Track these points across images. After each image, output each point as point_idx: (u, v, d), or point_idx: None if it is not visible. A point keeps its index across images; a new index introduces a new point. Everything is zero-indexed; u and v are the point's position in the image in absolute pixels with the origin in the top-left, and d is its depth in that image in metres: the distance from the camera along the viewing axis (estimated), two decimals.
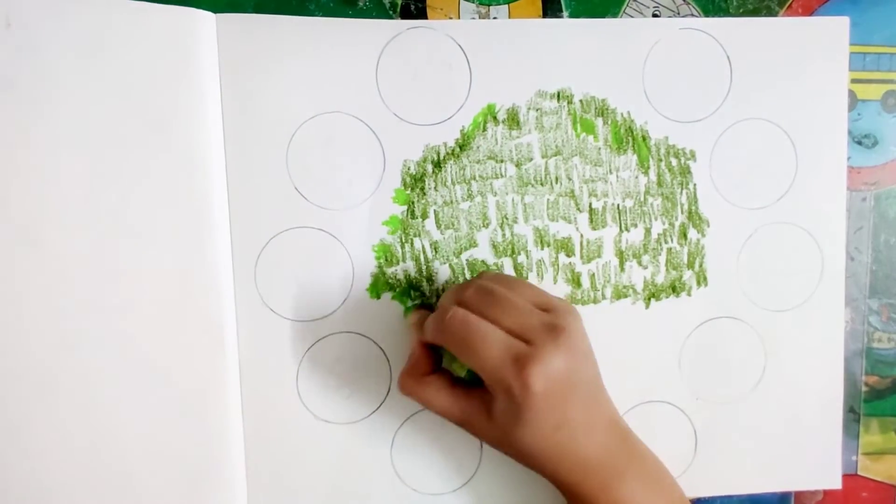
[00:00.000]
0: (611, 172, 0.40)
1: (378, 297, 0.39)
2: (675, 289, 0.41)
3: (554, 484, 0.34)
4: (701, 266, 0.41)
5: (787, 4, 0.41)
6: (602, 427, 0.34)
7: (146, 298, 0.36)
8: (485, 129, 0.39)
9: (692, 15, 0.41)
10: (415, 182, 0.39)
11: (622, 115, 0.40)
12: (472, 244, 0.40)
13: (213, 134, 0.37)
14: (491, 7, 0.40)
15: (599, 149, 0.40)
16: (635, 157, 0.40)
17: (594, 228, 0.40)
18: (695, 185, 0.41)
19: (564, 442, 0.32)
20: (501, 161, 0.40)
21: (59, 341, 0.35)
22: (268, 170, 0.38)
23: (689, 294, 0.41)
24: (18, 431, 0.35)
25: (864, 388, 0.43)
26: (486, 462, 0.40)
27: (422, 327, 0.35)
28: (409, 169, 0.39)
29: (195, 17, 0.37)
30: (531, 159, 0.40)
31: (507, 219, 0.40)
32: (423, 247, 0.40)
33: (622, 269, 0.41)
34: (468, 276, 0.40)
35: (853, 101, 0.42)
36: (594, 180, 0.40)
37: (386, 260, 0.39)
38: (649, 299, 0.41)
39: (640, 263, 0.41)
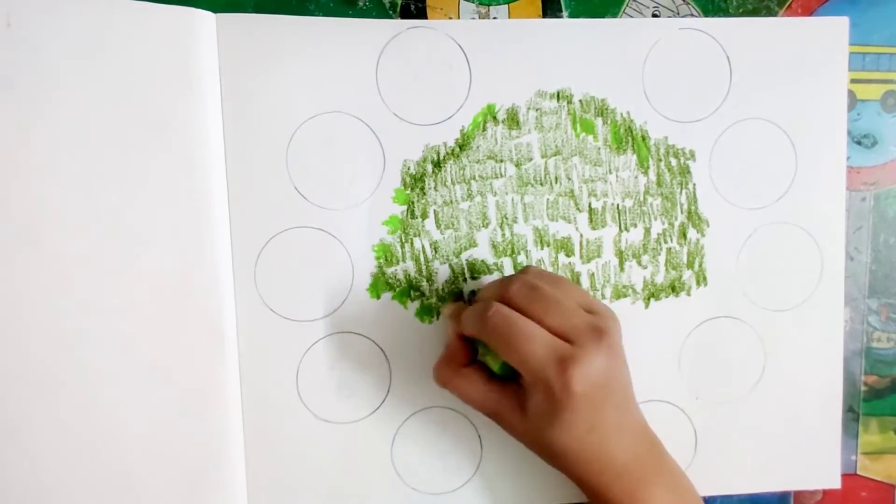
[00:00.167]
0: (610, 172, 0.40)
1: (378, 297, 0.39)
2: (674, 289, 0.41)
3: (580, 486, 0.34)
4: (700, 266, 0.41)
5: (787, 4, 0.41)
6: (632, 433, 0.34)
7: (146, 298, 0.36)
8: (484, 129, 0.39)
9: (692, 15, 0.41)
10: (415, 182, 0.39)
11: (622, 114, 0.40)
12: (472, 244, 0.40)
13: (213, 134, 0.37)
14: (491, 7, 0.40)
15: (599, 149, 0.40)
16: (635, 156, 0.40)
17: (594, 228, 0.40)
18: (694, 185, 0.41)
19: (596, 445, 0.32)
20: (501, 161, 0.40)
21: (59, 341, 0.35)
22: (268, 170, 0.38)
23: (688, 294, 0.41)
24: (18, 431, 0.35)
25: (863, 388, 0.43)
26: (486, 462, 0.41)
27: (458, 319, 0.35)
28: (408, 169, 0.39)
29: (195, 17, 0.37)
30: (531, 159, 0.40)
31: (506, 219, 0.40)
32: (422, 247, 0.40)
33: (622, 269, 0.41)
34: (468, 276, 0.40)
35: (852, 101, 0.42)
36: (594, 180, 0.40)
37: (386, 260, 0.39)
38: (649, 299, 0.41)
39: (639, 263, 0.41)
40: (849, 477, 0.43)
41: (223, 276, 0.38)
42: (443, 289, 0.40)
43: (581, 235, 0.40)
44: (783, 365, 0.42)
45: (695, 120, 0.41)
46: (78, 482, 0.36)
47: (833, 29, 0.41)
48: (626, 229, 0.41)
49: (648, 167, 0.41)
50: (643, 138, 0.40)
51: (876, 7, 0.41)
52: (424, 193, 0.39)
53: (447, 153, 0.39)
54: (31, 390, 0.35)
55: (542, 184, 0.40)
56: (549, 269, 0.40)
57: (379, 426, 0.40)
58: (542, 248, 0.40)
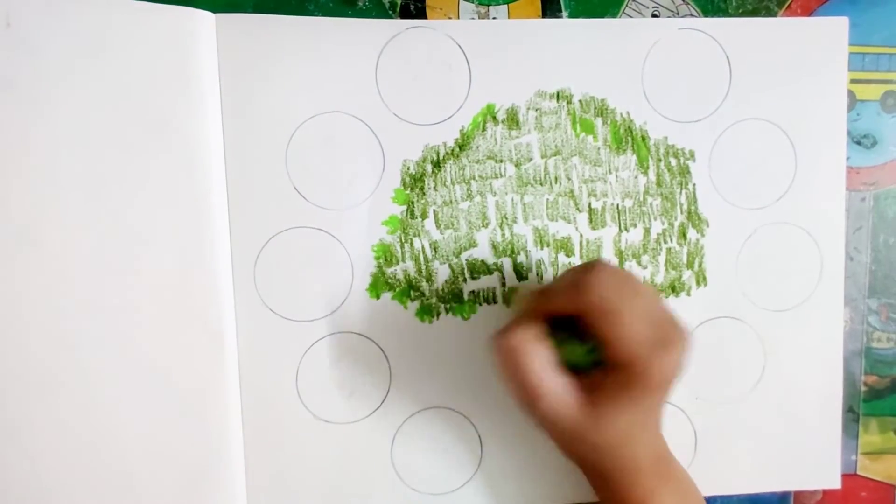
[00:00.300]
0: (610, 172, 0.40)
1: (378, 297, 0.39)
2: (674, 289, 0.41)
3: (600, 483, 0.34)
4: (700, 266, 0.41)
5: (787, 5, 0.41)
6: (660, 440, 0.34)
7: (146, 298, 0.36)
8: (484, 129, 0.40)
9: (691, 15, 0.41)
10: (414, 182, 0.39)
11: (621, 115, 0.40)
12: (472, 244, 0.40)
13: (212, 134, 0.37)
14: (490, 7, 0.40)
15: (599, 149, 0.40)
16: (635, 157, 0.40)
17: (593, 228, 0.40)
18: (694, 185, 0.41)
19: (636, 443, 0.32)
20: (501, 161, 0.40)
21: (58, 341, 0.35)
22: (267, 170, 0.38)
23: (688, 294, 0.41)
24: (18, 431, 0.35)
25: (863, 388, 0.43)
26: (486, 462, 0.41)
27: (540, 298, 0.33)
28: (408, 169, 0.39)
29: (195, 17, 0.37)
30: (531, 159, 0.40)
31: (506, 219, 0.40)
32: (422, 247, 0.40)
33: None
34: (468, 276, 0.40)
35: (852, 101, 0.42)
36: (593, 180, 0.40)
37: (385, 260, 0.39)
38: None
39: (639, 263, 0.41)
40: (849, 477, 0.43)
41: (223, 277, 0.38)
42: (443, 289, 0.40)
43: (581, 235, 0.40)
44: (783, 365, 0.42)
45: (695, 120, 0.41)
46: (78, 482, 0.36)
47: (833, 29, 0.41)
48: (626, 229, 0.41)
49: (648, 167, 0.41)
50: (643, 138, 0.40)
51: (876, 7, 0.41)
52: (424, 193, 0.39)
53: (447, 153, 0.39)
54: (31, 390, 0.35)
55: (541, 184, 0.40)
56: (549, 270, 0.40)
57: (379, 426, 0.40)
58: (541, 249, 0.40)
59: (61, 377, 0.36)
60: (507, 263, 0.40)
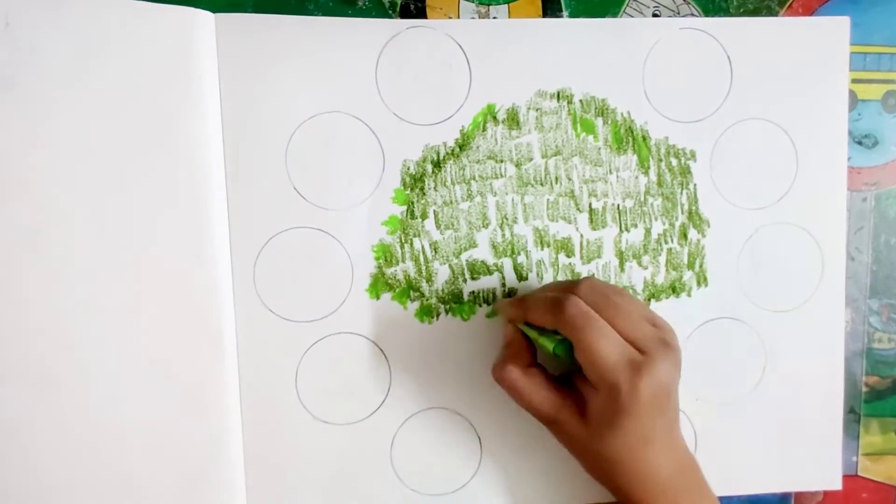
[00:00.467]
0: (611, 172, 0.40)
1: (377, 298, 0.39)
2: (675, 289, 0.41)
3: (621, 499, 0.35)
4: (701, 266, 0.41)
5: (788, 4, 0.41)
6: (678, 449, 0.34)
7: (146, 298, 0.36)
8: (484, 129, 0.39)
9: (692, 15, 0.41)
10: (414, 182, 0.39)
11: (622, 115, 0.40)
12: (472, 244, 0.40)
13: (212, 134, 0.37)
14: (491, 7, 0.40)
15: (599, 149, 0.40)
16: (635, 157, 0.40)
17: (594, 229, 0.40)
18: (695, 185, 0.41)
19: (646, 457, 0.33)
20: (501, 161, 0.40)
21: (59, 341, 0.35)
22: (267, 170, 0.38)
23: (689, 294, 0.41)
24: (19, 431, 0.35)
25: (864, 389, 0.43)
26: (486, 462, 0.40)
27: (522, 307, 0.35)
28: (408, 169, 0.39)
29: (195, 17, 0.37)
30: (531, 159, 0.40)
31: (506, 219, 0.40)
32: (422, 247, 0.40)
33: (622, 270, 0.41)
34: (468, 276, 0.40)
35: (853, 101, 0.42)
36: (594, 180, 0.40)
37: (385, 260, 0.39)
38: (649, 300, 0.41)
39: (640, 264, 0.41)
40: (849, 478, 0.43)
41: (222, 277, 0.38)
42: (443, 289, 0.40)
43: (581, 236, 0.40)
44: (784, 366, 0.42)
45: (695, 120, 0.41)
46: (78, 482, 0.36)
47: (834, 29, 0.41)
48: (627, 230, 0.41)
49: (649, 167, 0.40)
50: (644, 138, 0.40)
51: (877, 7, 0.41)
52: (424, 194, 0.39)
53: (447, 153, 0.39)
54: (32, 390, 0.35)
55: (542, 184, 0.40)
56: (549, 270, 0.40)
57: (379, 426, 0.40)
58: (542, 249, 0.40)
59: (62, 377, 0.36)
60: (507, 264, 0.40)
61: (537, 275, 0.40)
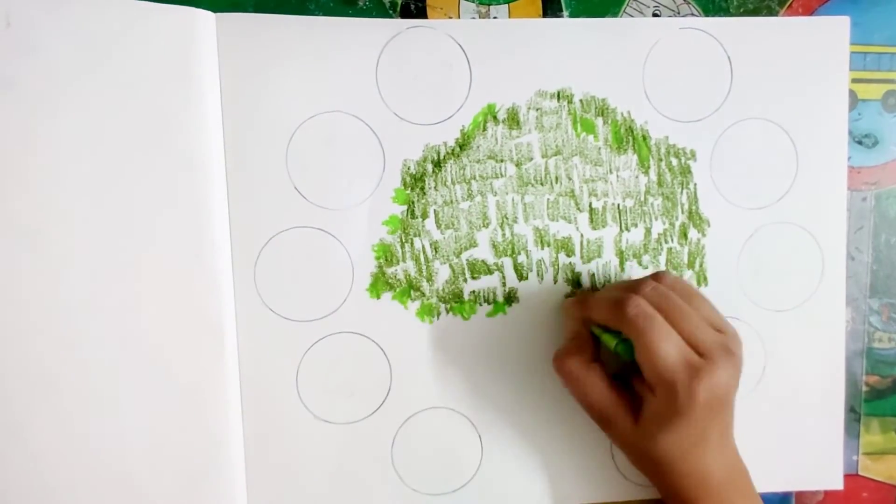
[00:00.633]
0: (611, 172, 0.40)
1: (378, 297, 0.39)
2: None
3: (669, 499, 0.35)
4: (701, 266, 0.41)
5: (788, 4, 0.41)
6: (729, 454, 0.35)
7: (146, 298, 0.36)
8: (485, 129, 0.39)
9: (692, 14, 0.41)
10: (415, 182, 0.39)
11: (622, 114, 0.40)
12: (472, 244, 0.40)
13: (213, 134, 0.37)
14: (491, 7, 0.40)
15: (599, 148, 0.40)
16: (635, 156, 0.40)
17: (594, 228, 0.40)
18: (695, 184, 0.41)
19: (698, 459, 0.33)
20: (501, 161, 0.40)
21: (59, 341, 0.35)
22: (267, 170, 0.38)
23: None
24: (19, 430, 0.35)
25: (864, 388, 0.43)
26: (486, 462, 0.40)
27: (586, 305, 0.36)
28: (408, 168, 0.39)
29: (195, 17, 0.37)
30: (531, 159, 0.40)
31: (507, 218, 0.40)
32: (422, 247, 0.40)
33: (622, 269, 0.41)
34: (468, 275, 0.40)
35: (854, 100, 0.42)
36: (594, 180, 0.40)
37: (386, 260, 0.39)
38: None
39: (640, 263, 0.41)
40: (850, 477, 0.43)
41: (223, 276, 0.38)
42: (443, 289, 0.40)
43: (581, 235, 0.40)
44: (784, 365, 0.42)
45: (696, 120, 0.41)
46: (78, 481, 0.36)
47: (834, 28, 0.41)
48: (627, 229, 0.41)
49: (649, 167, 0.40)
50: (644, 138, 0.40)
51: (877, 7, 0.41)
52: (424, 193, 0.39)
53: (447, 153, 0.39)
54: (32, 389, 0.35)
55: (542, 184, 0.40)
56: (550, 270, 0.40)
57: (379, 426, 0.40)
58: (542, 248, 0.40)
59: (62, 377, 0.36)
60: (507, 263, 0.40)
61: (537, 274, 0.40)
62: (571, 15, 0.40)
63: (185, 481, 0.37)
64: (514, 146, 0.40)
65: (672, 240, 0.41)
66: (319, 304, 0.39)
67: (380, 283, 0.39)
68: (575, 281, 0.40)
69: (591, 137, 0.40)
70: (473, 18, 0.40)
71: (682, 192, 0.41)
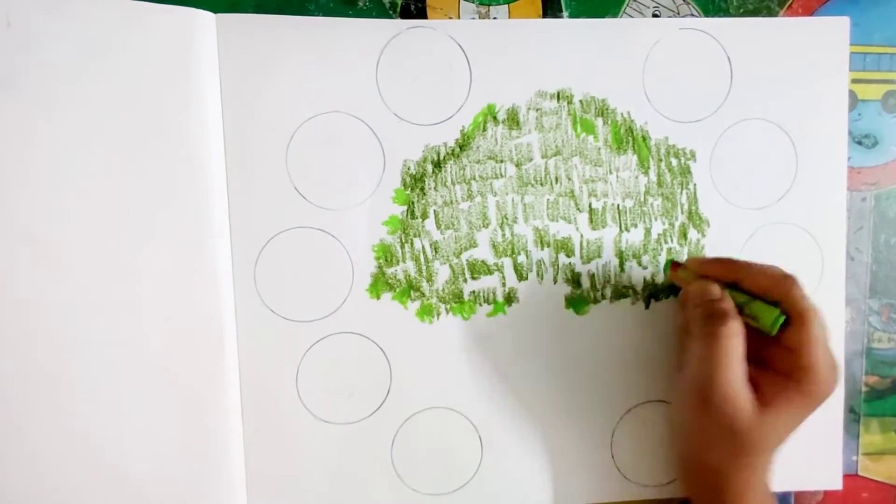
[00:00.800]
0: (611, 172, 0.40)
1: (378, 298, 0.39)
2: (675, 289, 0.41)
3: (702, 473, 0.35)
4: None
5: (788, 4, 0.41)
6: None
7: (146, 298, 0.36)
8: (485, 130, 0.39)
9: (692, 15, 0.41)
10: (415, 182, 0.39)
11: (622, 115, 0.40)
12: (472, 244, 0.40)
13: (213, 134, 0.37)
14: (491, 7, 0.40)
15: (599, 149, 0.40)
16: (635, 157, 0.40)
17: (594, 228, 0.40)
18: (695, 185, 0.41)
19: (781, 443, 0.34)
20: (501, 161, 0.40)
21: (59, 341, 0.35)
22: (268, 170, 0.38)
23: None
24: (19, 431, 0.35)
25: (864, 389, 0.43)
26: (485, 462, 0.40)
27: (732, 269, 0.36)
28: (408, 169, 0.39)
29: (195, 17, 0.37)
30: (531, 159, 0.40)
31: (507, 219, 0.40)
32: (422, 247, 0.40)
33: (622, 270, 0.41)
34: (468, 276, 0.40)
35: (853, 101, 0.42)
36: (594, 180, 0.40)
37: (386, 260, 0.39)
38: (649, 299, 0.41)
39: (640, 264, 0.41)
40: (850, 477, 0.43)
41: (223, 277, 0.38)
42: (443, 289, 0.40)
43: (581, 236, 0.40)
44: None
45: (695, 120, 0.41)
46: (78, 482, 0.36)
47: (834, 29, 0.41)
48: (627, 229, 0.41)
49: (649, 167, 0.40)
50: (644, 138, 0.40)
51: (877, 7, 0.41)
52: (424, 193, 0.39)
53: (447, 153, 0.39)
54: (32, 390, 0.35)
55: (542, 184, 0.40)
56: (550, 270, 0.40)
57: (379, 426, 0.40)
58: (542, 249, 0.40)
59: (62, 377, 0.36)
60: (507, 263, 0.40)
61: (537, 274, 0.40)
62: (571, 15, 0.40)
63: (185, 481, 0.37)
64: (513, 146, 0.40)
65: (672, 240, 0.41)
66: (319, 304, 0.39)
67: (380, 284, 0.39)
68: (575, 281, 0.40)
69: (590, 138, 0.40)
70: (473, 19, 0.40)
71: (681, 193, 0.41)
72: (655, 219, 0.41)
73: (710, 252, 0.41)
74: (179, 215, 0.37)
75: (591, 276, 0.41)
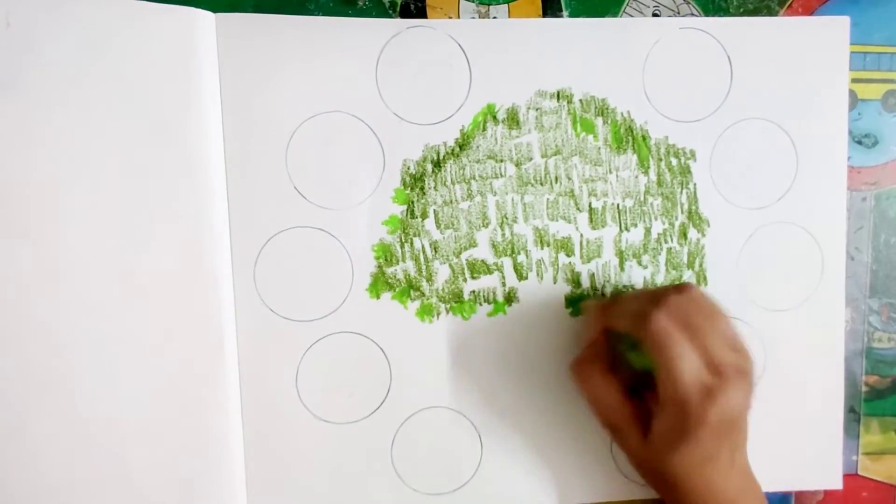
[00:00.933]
0: (611, 172, 0.40)
1: (378, 297, 0.39)
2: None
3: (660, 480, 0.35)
4: (701, 266, 0.41)
5: (788, 4, 0.41)
6: (741, 472, 0.35)
7: (146, 298, 0.36)
8: (484, 129, 0.39)
9: (692, 14, 0.41)
10: (414, 182, 0.39)
11: (622, 114, 0.40)
12: (472, 244, 0.40)
13: (213, 134, 0.37)
14: (491, 7, 0.40)
15: (599, 148, 0.40)
16: (635, 156, 0.40)
17: (594, 228, 0.40)
18: (695, 184, 0.41)
19: (709, 477, 0.33)
20: (501, 161, 0.40)
21: (58, 341, 0.35)
22: (267, 169, 0.38)
23: None
24: (19, 431, 0.35)
25: (864, 388, 0.43)
26: (486, 462, 0.40)
27: (607, 312, 0.36)
28: (408, 168, 0.39)
29: (195, 17, 0.37)
30: (531, 159, 0.40)
31: (506, 218, 0.40)
32: (422, 246, 0.40)
33: (622, 269, 0.41)
34: (468, 275, 0.40)
35: (853, 100, 0.42)
36: (594, 180, 0.40)
37: (385, 260, 0.39)
38: None
39: (639, 263, 0.41)
40: (850, 477, 0.43)
41: (223, 276, 0.38)
42: (443, 288, 0.40)
43: (581, 235, 0.40)
44: (784, 365, 0.42)
45: (695, 119, 0.41)
46: (78, 482, 0.36)
47: (834, 28, 0.41)
48: (627, 229, 0.41)
49: (649, 167, 0.40)
50: (643, 138, 0.40)
51: (877, 6, 0.41)
52: (424, 193, 0.39)
53: (447, 153, 0.39)
54: (31, 390, 0.35)
55: (542, 184, 0.40)
56: (549, 270, 0.40)
57: (379, 426, 0.40)
58: (542, 248, 0.40)
59: (61, 377, 0.36)
60: (507, 263, 0.40)
61: (537, 274, 0.40)
62: (571, 15, 0.40)
63: (184, 480, 0.37)
64: (513, 146, 0.40)
65: (672, 240, 0.41)
66: (319, 304, 0.39)
67: (380, 283, 0.39)
68: (575, 281, 0.40)
69: (590, 137, 0.40)
70: (473, 18, 0.40)
71: (681, 192, 0.41)
72: (655, 218, 0.41)
73: (710, 252, 0.41)
74: (179, 214, 0.37)
75: (591, 276, 0.41)
